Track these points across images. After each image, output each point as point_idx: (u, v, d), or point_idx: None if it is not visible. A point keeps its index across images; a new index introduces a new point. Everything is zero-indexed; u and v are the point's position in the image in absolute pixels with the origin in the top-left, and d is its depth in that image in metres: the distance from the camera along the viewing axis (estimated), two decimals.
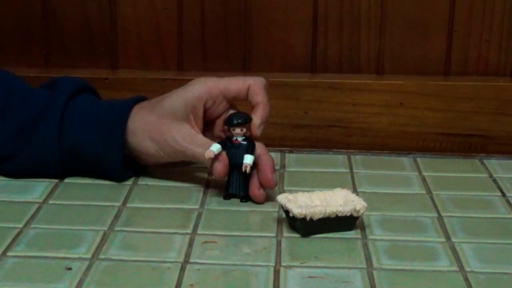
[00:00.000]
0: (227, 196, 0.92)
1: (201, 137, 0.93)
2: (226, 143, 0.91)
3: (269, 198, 0.93)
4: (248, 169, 0.90)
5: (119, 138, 0.93)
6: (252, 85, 0.92)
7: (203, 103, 0.93)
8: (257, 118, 0.92)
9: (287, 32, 1.13)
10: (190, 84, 0.94)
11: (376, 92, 1.11)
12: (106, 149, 0.94)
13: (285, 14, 1.13)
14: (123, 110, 0.94)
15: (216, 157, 0.90)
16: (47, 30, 1.14)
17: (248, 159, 0.90)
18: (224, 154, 0.90)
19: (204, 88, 0.93)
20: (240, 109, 0.95)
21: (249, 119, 0.91)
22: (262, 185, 0.91)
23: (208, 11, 1.13)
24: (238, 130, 0.91)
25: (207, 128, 0.96)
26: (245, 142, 0.91)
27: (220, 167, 0.90)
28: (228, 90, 0.93)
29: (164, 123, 0.93)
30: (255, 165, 0.91)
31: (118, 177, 0.96)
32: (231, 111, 0.94)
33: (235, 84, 0.93)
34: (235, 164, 0.91)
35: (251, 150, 0.91)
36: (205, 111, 0.94)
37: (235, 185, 0.92)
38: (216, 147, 0.90)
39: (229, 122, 0.91)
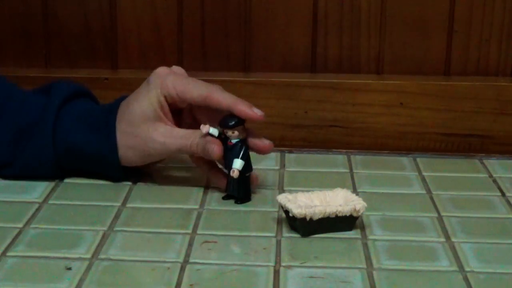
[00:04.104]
0: (226, 196, 0.92)
1: (177, 129, 0.93)
2: (223, 143, 0.91)
3: (269, 198, 0.93)
4: (235, 174, 0.89)
5: (112, 135, 0.93)
6: (210, 94, 0.91)
7: (166, 102, 0.92)
8: (243, 110, 0.90)
9: (287, 32, 1.13)
10: (149, 82, 0.93)
11: (376, 92, 1.11)
12: (101, 148, 0.93)
13: (285, 14, 1.13)
14: (112, 109, 0.94)
15: (210, 140, 0.90)
16: (47, 30, 1.14)
17: (236, 164, 0.90)
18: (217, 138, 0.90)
19: (160, 83, 0.92)
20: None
21: (241, 121, 0.91)
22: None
23: (208, 11, 1.13)
24: (230, 133, 0.90)
25: (177, 118, 0.95)
26: (238, 145, 0.91)
27: (216, 148, 0.89)
28: (184, 97, 0.92)
29: (138, 129, 0.92)
30: (249, 168, 0.91)
31: (116, 175, 0.96)
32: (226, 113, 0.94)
33: (190, 94, 0.92)
34: (230, 166, 0.91)
35: (242, 154, 0.90)
36: (169, 104, 0.93)
37: (232, 186, 0.92)
38: (210, 129, 0.90)
39: (222, 124, 0.91)
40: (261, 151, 0.93)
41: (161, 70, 0.94)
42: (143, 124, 0.92)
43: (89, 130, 0.94)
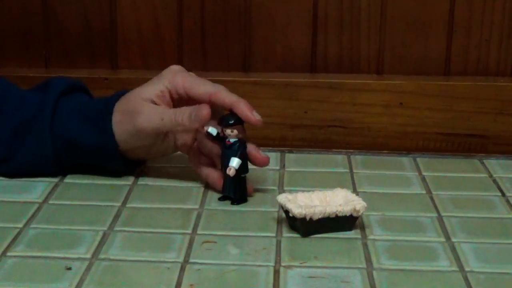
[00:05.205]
0: (222, 197, 0.92)
1: (163, 106, 0.93)
2: (220, 143, 0.91)
3: (269, 198, 0.93)
4: (231, 172, 0.90)
5: (109, 127, 0.93)
6: (216, 92, 0.92)
7: (169, 93, 0.93)
8: (243, 110, 0.91)
9: (287, 32, 1.13)
10: (161, 75, 0.95)
11: (376, 92, 1.11)
12: (99, 140, 0.93)
13: (285, 14, 1.13)
14: (110, 101, 0.95)
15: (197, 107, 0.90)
16: (47, 30, 1.14)
17: (233, 162, 0.90)
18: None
19: (170, 78, 0.94)
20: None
21: (240, 121, 0.91)
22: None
23: (208, 11, 1.13)
24: (229, 131, 0.90)
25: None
26: (236, 145, 0.91)
27: (205, 111, 0.90)
28: (190, 92, 0.93)
29: (130, 106, 0.93)
30: (245, 169, 0.91)
31: (116, 167, 0.96)
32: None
33: (197, 90, 0.93)
34: (227, 165, 0.91)
35: (239, 153, 0.90)
36: (175, 99, 0.94)
37: (228, 187, 0.92)
38: (209, 128, 0.90)
39: (221, 122, 0.91)
40: (257, 162, 0.92)
41: (175, 67, 0.96)
42: (135, 102, 0.93)
43: (87, 123, 0.94)
